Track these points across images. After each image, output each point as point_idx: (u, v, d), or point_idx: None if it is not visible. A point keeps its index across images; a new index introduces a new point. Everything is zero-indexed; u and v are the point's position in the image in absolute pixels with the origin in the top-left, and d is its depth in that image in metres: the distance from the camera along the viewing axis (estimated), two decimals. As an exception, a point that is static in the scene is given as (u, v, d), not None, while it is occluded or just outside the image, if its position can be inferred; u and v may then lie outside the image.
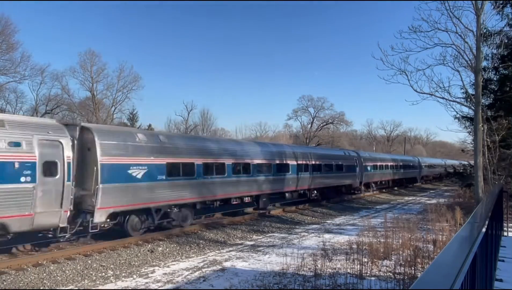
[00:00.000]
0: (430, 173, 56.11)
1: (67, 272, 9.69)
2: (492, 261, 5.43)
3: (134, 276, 9.62)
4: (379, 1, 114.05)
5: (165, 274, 9.84)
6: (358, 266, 9.76)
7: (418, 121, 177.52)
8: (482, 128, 17.22)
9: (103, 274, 9.85)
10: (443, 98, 17.73)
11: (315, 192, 24.76)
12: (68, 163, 10.95)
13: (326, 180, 25.45)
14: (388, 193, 36.09)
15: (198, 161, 15.28)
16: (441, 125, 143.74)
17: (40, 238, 11.48)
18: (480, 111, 17.01)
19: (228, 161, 16.90)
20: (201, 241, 13.59)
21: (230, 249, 12.78)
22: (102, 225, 12.16)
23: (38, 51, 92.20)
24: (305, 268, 10.00)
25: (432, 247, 11.64)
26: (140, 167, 12.67)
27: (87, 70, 54.73)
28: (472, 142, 21.09)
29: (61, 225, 10.78)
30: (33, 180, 10.05)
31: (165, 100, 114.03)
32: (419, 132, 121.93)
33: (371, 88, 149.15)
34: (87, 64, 54.62)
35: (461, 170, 33.12)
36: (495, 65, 21.95)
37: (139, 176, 12.58)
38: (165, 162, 13.68)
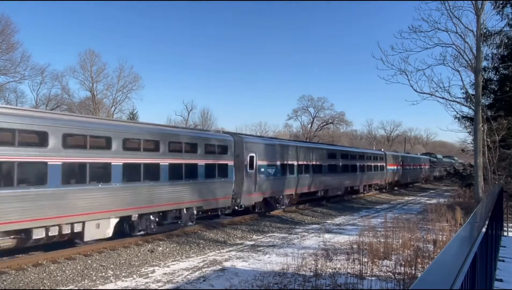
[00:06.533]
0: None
1: (67, 272, 9.68)
2: (492, 261, 5.43)
3: (134, 276, 9.62)
4: (379, 1, 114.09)
5: (165, 274, 9.84)
6: (358, 266, 9.76)
7: (418, 121, 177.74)
8: (482, 128, 17.23)
9: (103, 274, 9.85)
10: (443, 98, 17.77)
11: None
12: None
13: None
14: (388, 193, 36.09)
15: None
16: (441, 125, 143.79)
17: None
18: (480, 111, 17.02)
19: None
20: (201, 241, 13.58)
21: (230, 249, 12.78)
22: None
23: (38, 51, 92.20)
24: (305, 268, 10.00)
25: (432, 247, 11.64)
26: None
27: (87, 70, 54.82)
28: (472, 142, 21.10)
29: None
30: None
31: (165, 100, 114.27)
32: (419, 132, 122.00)
33: (371, 88, 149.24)
34: (87, 64, 54.71)
35: (460, 170, 32.75)
36: (495, 65, 21.95)
37: None
38: None
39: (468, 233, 3.09)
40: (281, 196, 20.61)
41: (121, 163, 11.82)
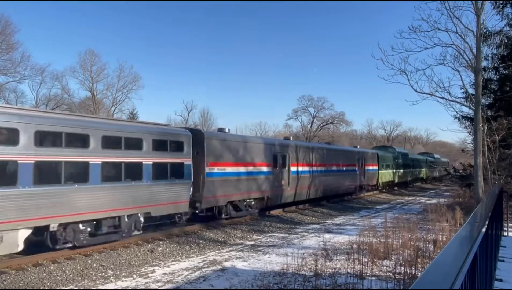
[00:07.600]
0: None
1: (67, 272, 9.68)
2: (492, 261, 5.43)
3: (134, 276, 9.62)
4: (379, 1, 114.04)
5: (165, 274, 9.84)
6: (358, 266, 9.76)
7: (418, 121, 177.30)
8: (482, 128, 17.24)
9: (103, 274, 9.85)
10: (443, 98, 17.80)
11: None
12: None
13: None
14: (388, 193, 36.09)
15: None
16: (441, 125, 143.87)
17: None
18: (480, 111, 17.05)
19: None
20: (201, 241, 13.58)
21: (230, 249, 12.78)
22: None
23: (38, 51, 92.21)
24: (305, 268, 10.00)
25: (432, 247, 11.64)
26: None
27: (87, 70, 54.81)
28: (472, 142, 21.11)
29: None
30: None
31: (165, 100, 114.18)
32: (419, 132, 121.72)
33: (371, 88, 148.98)
34: (87, 64, 54.70)
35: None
36: (495, 65, 21.98)
37: None
38: None
39: (468, 233, 3.09)
40: None
41: None
